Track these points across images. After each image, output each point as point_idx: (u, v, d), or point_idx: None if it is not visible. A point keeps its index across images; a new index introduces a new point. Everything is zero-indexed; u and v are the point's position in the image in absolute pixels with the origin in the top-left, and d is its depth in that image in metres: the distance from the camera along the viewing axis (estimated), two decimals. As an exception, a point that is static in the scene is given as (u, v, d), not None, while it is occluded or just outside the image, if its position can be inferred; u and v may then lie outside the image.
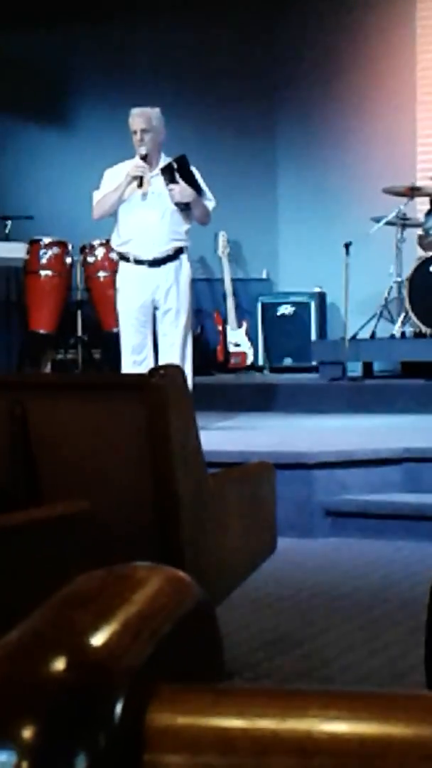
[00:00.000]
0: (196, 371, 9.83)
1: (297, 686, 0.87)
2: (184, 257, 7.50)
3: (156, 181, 7.40)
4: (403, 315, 9.69)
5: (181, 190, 7.36)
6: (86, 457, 3.34)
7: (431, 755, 0.82)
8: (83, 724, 0.85)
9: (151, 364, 7.29)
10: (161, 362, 7.35)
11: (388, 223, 9.85)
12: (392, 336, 9.79)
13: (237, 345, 10.87)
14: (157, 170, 7.42)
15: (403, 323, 9.70)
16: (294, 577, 5.23)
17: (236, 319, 10.91)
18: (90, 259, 10.08)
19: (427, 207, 9.80)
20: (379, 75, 11.22)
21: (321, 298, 11.07)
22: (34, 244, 9.97)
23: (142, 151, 7.41)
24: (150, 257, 7.37)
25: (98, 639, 0.89)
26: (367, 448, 6.56)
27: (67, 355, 10.24)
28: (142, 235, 7.37)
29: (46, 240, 9.94)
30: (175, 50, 11.42)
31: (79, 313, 10.11)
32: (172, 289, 7.40)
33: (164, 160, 7.48)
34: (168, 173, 7.38)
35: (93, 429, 3.32)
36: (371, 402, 8.79)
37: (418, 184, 10.14)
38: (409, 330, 9.75)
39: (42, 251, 9.91)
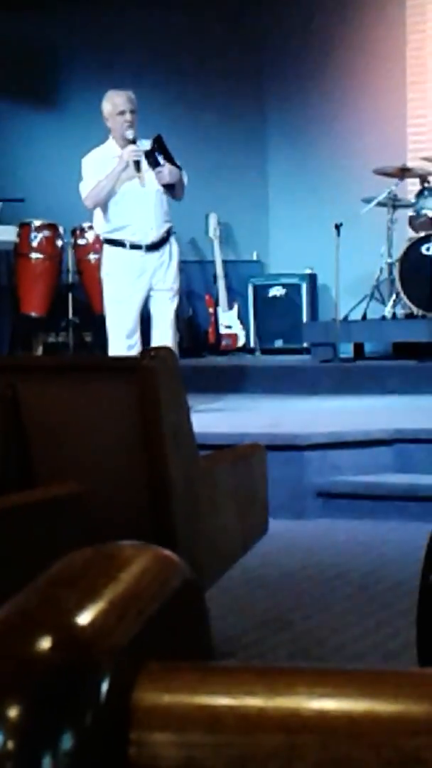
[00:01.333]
0: (188, 353, 9.85)
1: (284, 664, 0.87)
2: (173, 237, 7.52)
3: (145, 164, 7.37)
4: (394, 296, 9.69)
5: (169, 171, 7.32)
6: (78, 439, 3.34)
7: (418, 731, 0.82)
8: (69, 702, 0.85)
9: (139, 347, 7.31)
10: (156, 341, 7.37)
11: (379, 204, 9.84)
12: (383, 317, 9.79)
13: (228, 327, 10.87)
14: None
15: (395, 304, 9.70)
16: (286, 559, 5.23)
17: (227, 301, 10.91)
18: (81, 242, 10.06)
19: (418, 187, 9.80)
20: (369, 55, 11.20)
21: (312, 279, 11.07)
22: (24, 227, 9.94)
23: (130, 134, 7.35)
24: (148, 241, 7.35)
25: (84, 618, 0.89)
26: (358, 430, 6.56)
27: (59, 338, 10.23)
28: (139, 220, 7.33)
29: (37, 223, 9.91)
30: (165, 32, 11.38)
31: (70, 295, 10.10)
32: (169, 269, 7.44)
33: (145, 143, 7.41)
34: (152, 155, 7.34)
35: (85, 411, 3.32)
36: (362, 383, 8.79)
37: (409, 164, 10.13)
38: (400, 311, 9.75)
39: (33, 234, 9.88)
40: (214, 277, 10.98)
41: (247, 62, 11.42)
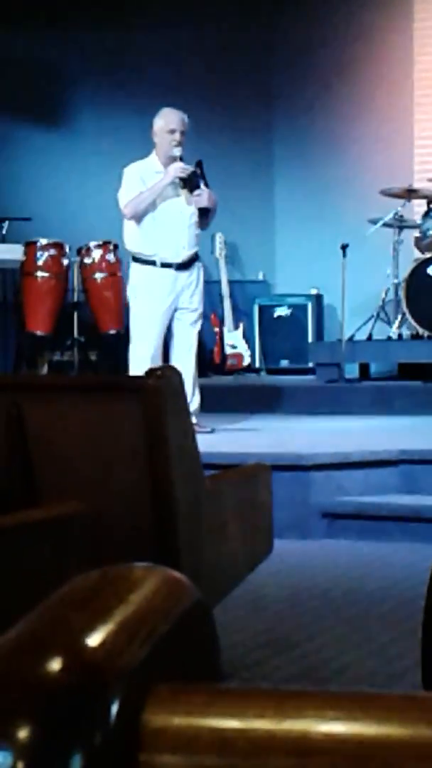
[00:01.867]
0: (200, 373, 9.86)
1: (293, 687, 0.86)
2: (199, 261, 7.60)
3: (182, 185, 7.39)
4: (400, 317, 9.69)
5: (209, 195, 7.37)
6: (83, 458, 3.33)
7: (427, 756, 0.82)
8: (79, 724, 0.85)
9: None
10: (175, 360, 7.38)
11: (386, 225, 9.86)
12: (389, 338, 9.80)
13: (234, 347, 10.86)
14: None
15: (400, 325, 9.70)
16: (291, 579, 5.23)
17: (233, 321, 10.91)
18: (87, 261, 10.07)
19: (424, 209, 9.81)
20: (376, 77, 11.23)
21: (318, 299, 11.08)
22: (30, 246, 9.95)
23: (178, 152, 7.37)
24: (179, 260, 7.38)
25: (94, 639, 0.89)
26: (364, 450, 6.55)
27: (64, 356, 10.23)
28: (173, 238, 7.36)
29: (43, 241, 9.92)
30: (173, 52, 11.42)
31: (75, 314, 10.10)
32: (196, 291, 7.50)
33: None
34: (194, 178, 7.36)
35: (90, 430, 3.32)
36: (368, 404, 8.79)
37: (415, 185, 10.14)
38: (406, 332, 9.75)
39: (39, 253, 9.89)
40: (220, 296, 10.98)
41: (255, 84, 11.46)
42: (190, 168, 7.34)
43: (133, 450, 3.21)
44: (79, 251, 10.10)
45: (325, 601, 4.86)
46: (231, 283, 11.06)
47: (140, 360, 7.37)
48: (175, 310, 7.43)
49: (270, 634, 4.38)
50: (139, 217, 7.37)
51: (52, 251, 9.90)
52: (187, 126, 7.48)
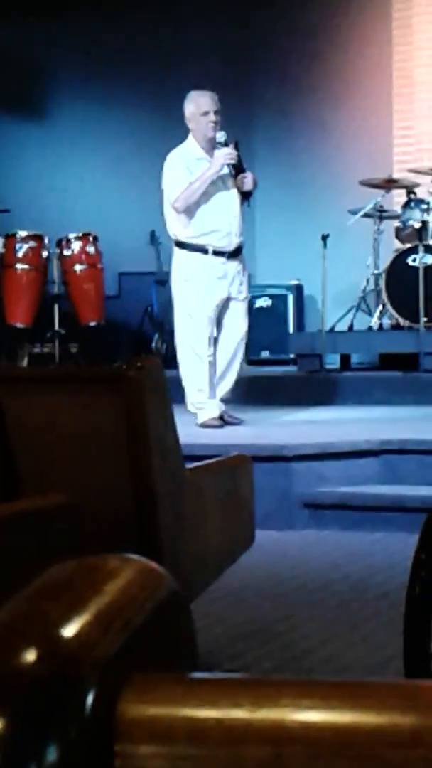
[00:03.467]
0: (173, 363, 9.83)
1: (269, 676, 0.86)
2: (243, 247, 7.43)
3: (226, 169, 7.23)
4: (380, 307, 9.71)
5: (253, 178, 7.24)
6: (64, 450, 3.33)
7: (403, 743, 0.82)
8: (54, 715, 0.85)
9: (213, 357, 7.27)
10: (223, 349, 7.32)
11: (366, 216, 9.87)
12: (370, 328, 9.81)
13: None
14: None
15: (381, 315, 9.72)
16: (273, 570, 5.23)
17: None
18: (66, 253, 10.05)
19: (404, 199, 9.82)
20: (355, 67, 11.23)
21: (298, 290, 11.08)
22: (9, 238, 9.93)
23: (222, 137, 7.19)
24: (230, 248, 7.25)
25: (69, 630, 0.89)
26: (345, 440, 6.56)
27: (44, 348, 10.21)
28: (225, 225, 7.21)
29: (22, 234, 9.90)
30: (150, 44, 11.40)
31: (55, 306, 10.08)
32: (245, 279, 7.39)
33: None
34: (238, 162, 7.19)
35: (71, 422, 3.31)
36: (349, 394, 8.80)
37: (395, 176, 10.16)
38: (386, 322, 9.76)
39: (18, 245, 9.87)
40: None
41: (233, 75, 11.44)
42: (233, 153, 7.15)
43: (115, 442, 3.20)
44: (58, 243, 10.08)
45: (307, 591, 4.87)
46: (212, 274, 11.03)
47: (191, 350, 7.28)
48: (228, 299, 7.29)
49: (252, 625, 4.38)
50: (190, 209, 7.20)
51: (32, 243, 9.88)
52: (219, 105, 7.28)
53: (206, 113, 7.23)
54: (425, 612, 2.71)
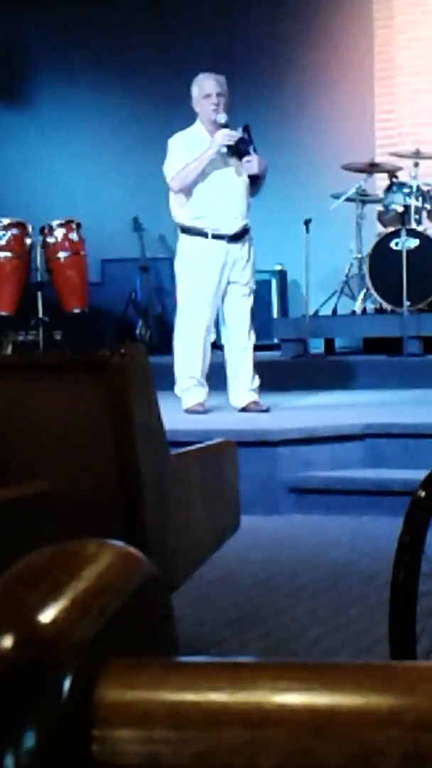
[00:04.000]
0: (158, 350, 9.84)
1: (248, 658, 0.86)
2: (250, 232, 7.35)
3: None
4: (364, 291, 9.72)
5: (259, 161, 7.14)
6: (48, 437, 3.33)
7: (382, 724, 0.82)
8: (31, 700, 0.85)
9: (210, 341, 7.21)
10: (232, 338, 7.29)
11: (348, 200, 9.87)
12: (353, 312, 9.82)
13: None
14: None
15: (364, 299, 9.73)
16: (258, 554, 5.24)
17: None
18: (50, 240, 10.03)
19: (387, 183, 9.82)
20: (337, 51, 11.22)
21: (282, 275, 11.08)
22: (-8, 226, 9.91)
23: (223, 118, 7.13)
24: (231, 232, 7.16)
25: (46, 615, 0.89)
26: (329, 425, 6.57)
27: (28, 336, 10.20)
28: (224, 208, 7.12)
29: (5, 221, 9.88)
30: (133, 26, 11.37)
31: (39, 294, 10.07)
32: (248, 264, 7.27)
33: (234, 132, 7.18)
34: (242, 144, 7.11)
35: (55, 409, 3.31)
36: (333, 379, 8.81)
37: (377, 160, 10.16)
38: (370, 306, 9.78)
39: (1, 233, 9.85)
40: (184, 273, 10.95)
41: (214, 61, 11.41)
42: (237, 134, 7.09)
43: (99, 428, 3.20)
44: (41, 230, 10.06)
45: (292, 575, 4.88)
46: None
47: (190, 336, 7.23)
48: (228, 284, 7.22)
49: (238, 610, 4.39)
50: (187, 189, 7.15)
51: (15, 231, 9.86)
52: (225, 89, 7.24)
53: (208, 96, 7.21)
54: (410, 595, 2.72)
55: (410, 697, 0.84)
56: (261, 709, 0.83)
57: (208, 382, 7.34)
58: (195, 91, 7.30)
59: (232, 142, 7.08)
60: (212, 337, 7.38)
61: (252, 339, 7.37)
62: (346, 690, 0.84)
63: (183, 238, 7.28)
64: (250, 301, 7.34)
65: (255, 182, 7.25)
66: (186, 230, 7.24)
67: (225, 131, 7.10)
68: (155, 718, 0.85)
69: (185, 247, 7.27)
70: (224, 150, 7.12)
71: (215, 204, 7.13)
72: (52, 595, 0.89)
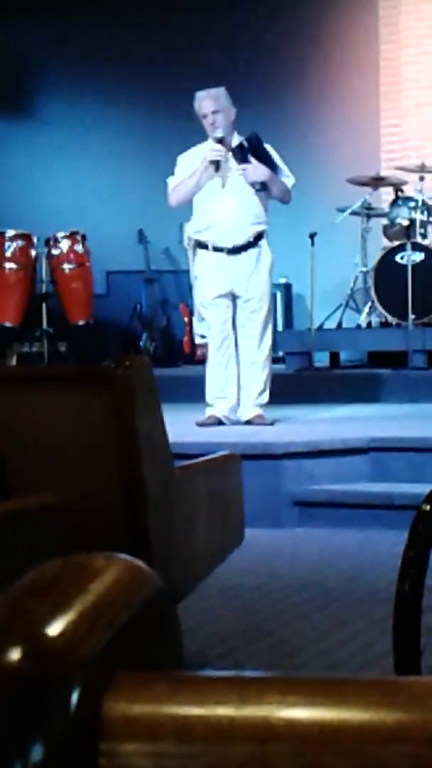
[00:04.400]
0: (163, 363, 9.84)
1: (256, 673, 0.86)
2: (264, 242, 7.28)
3: (234, 163, 7.15)
4: (369, 305, 9.72)
5: (254, 169, 7.09)
6: (53, 449, 3.33)
7: (390, 739, 0.82)
8: (39, 713, 0.85)
9: (233, 354, 7.17)
10: (241, 352, 7.23)
11: (353, 213, 9.87)
12: (358, 326, 9.82)
13: (203, 336, 10.84)
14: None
15: (369, 313, 9.73)
16: (263, 568, 5.23)
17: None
18: (55, 252, 10.05)
19: (392, 197, 9.83)
20: (342, 65, 11.23)
21: (287, 288, 11.08)
22: (-2, 237, 9.93)
23: (218, 134, 7.13)
24: (230, 245, 7.13)
25: (54, 628, 0.89)
26: (334, 438, 6.57)
27: (33, 347, 10.21)
28: (221, 221, 7.10)
29: (10, 233, 9.90)
30: (135, 39, 11.39)
31: (44, 305, 10.08)
32: (253, 277, 7.18)
33: (237, 140, 7.21)
34: (239, 153, 7.12)
35: (60, 421, 3.31)
36: (338, 392, 8.81)
37: (383, 173, 10.16)
38: (375, 320, 9.78)
39: (6, 244, 9.86)
40: (189, 286, 10.96)
41: (218, 70, 11.43)
42: (221, 150, 7.06)
43: (104, 440, 3.20)
44: (46, 242, 10.08)
45: (297, 589, 4.87)
46: (200, 273, 11.04)
47: (210, 352, 7.24)
48: (235, 298, 7.20)
49: (243, 623, 4.38)
50: (184, 203, 7.18)
51: (20, 242, 9.88)
52: (217, 102, 7.21)
53: (205, 116, 7.23)
54: (414, 609, 2.72)
55: (417, 712, 0.84)
56: (268, 724, 0.83)
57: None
58: (196, 108, 7.33)
59: (216, 157, 7.08)
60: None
61: (263, 354, 7.27)
62: (353, 705, 0.83)
63: (194, 251, 7.32)
64: (261, 315, 7.23)
65: (264, 189, 7.19)
66: (197, 243, 7.27)
67: (212, 146, 7.13)
68: (162, 732, 0.85)
69: (195, 260, 7.32)
70: (221, 162, 7.11)
71: (213, 217, 7.14)
72: (60, 608, 0.89)
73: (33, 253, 9.98)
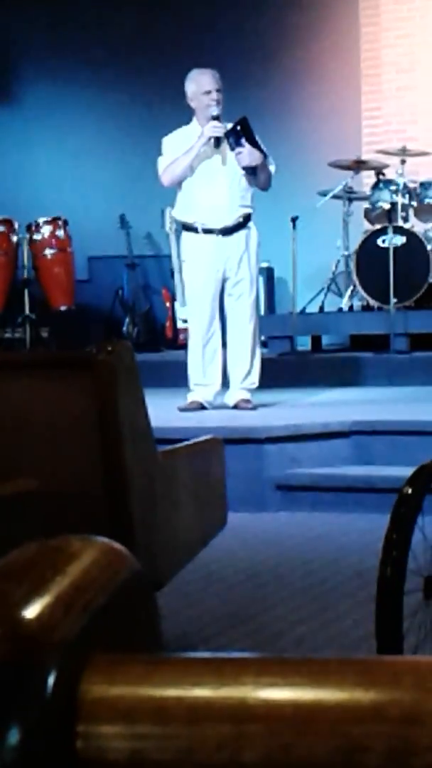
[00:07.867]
0: (145, 348, 9.84)
1: (232, 653, 0.86)
2: (252, 224, 7.27)
3: (225, 145, 7.12)
4: (350, 288, 9.72)
5: (250, 152, 7.05)
6: (35, 435, 3.32)
7: (365, 719, 0.83)
8: (15, 697, 0.85)
9: (218, 338, 7.15)
10: (229, 334, 7.21)
11: (335, 197, 9.87)
12: (340, 309, 9.83)
13: (185, 321, 10.85)
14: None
15: (351, 296, 9.74)
16: (246, 552, 5.24)
17: (184, 296, 10.89)
18: (36, 237, 10.02)
19: (373, 180, 9.83)
20: (323, 49, 11.21)
21: (269, 273, 11.08)
22: (-21, 224, 9.90)
23: (215, 111, 7.09)
24: (221, 226, 7.11)
25: (30, 612, 0.89)
26: (316, 422, 6.58)
27: (15, 334, 10.19)
28: (212, 203, 7.08)
29: (-9, 218, 9.87)
30: (118, 27, 11.36)
31: (26, 291, 10.06)
32: (244, 258, 7.17)
33: (223, 124, 7.15)
34: (234, 136, 7.09)
35: (42, 407, 3.31)
36: (320, 376, 8.82)
37: (364, 157, 10.16)
38: (357, 303, 9.79)
39: (-13, 230, 9.84)
40: (171, 271, 10.96)
41: (201, 57, 11.40)
42: (224, 127, 7.06)
43: (86, 426, 3.20)
44: (28, 228, 10.05)
45: (280, 573, 4.88)
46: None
47: (193, 335, 7.23)
48: (224, 279, 7.17)
49: (226, 607, 4.39)
50: (177, 183, 7.14)
51: (1, 228, 9.86)
52: (218, 81, 7.21)
53: (208, 92, 7.17)
54: (397, 592, 2.73)
55: (394, 691, 0.84)
56: (245, 705, 0.84)
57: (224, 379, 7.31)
58: (192, 87, 7.26)
59: (219, 134, 7.05)
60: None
61: (251, 336, 7.26)
62: (329, 685, 0.84)
63: (182, 234, 7.30)
64: (250, 298, 7.24)
65: (252, 173, 7.17)
66: (183, 226, 7.26)
67: (213, 123, 7.08)
68: (139, 713, 0.85)
69: (183, 243, 7.31)
70: (213, 142, 7.09)
71: (204, 198, 7.11)
72: (36, 592, 0.89)
73: (14, 238, 9.95)
